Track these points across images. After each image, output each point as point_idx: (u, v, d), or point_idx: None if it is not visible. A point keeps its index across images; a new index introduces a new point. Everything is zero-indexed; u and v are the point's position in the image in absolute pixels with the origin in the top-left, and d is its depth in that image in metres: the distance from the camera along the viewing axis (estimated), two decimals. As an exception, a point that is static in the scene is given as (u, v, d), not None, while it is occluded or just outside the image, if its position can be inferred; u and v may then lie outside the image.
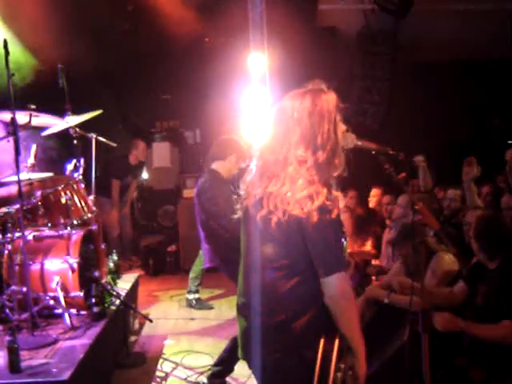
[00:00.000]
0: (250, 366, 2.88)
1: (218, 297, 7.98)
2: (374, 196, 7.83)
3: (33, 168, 5.44)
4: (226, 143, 5.29)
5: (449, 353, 4.06)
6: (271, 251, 2.65)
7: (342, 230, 2.67)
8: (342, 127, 2.72)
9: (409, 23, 9.14)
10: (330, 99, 2.69)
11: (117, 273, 6.38)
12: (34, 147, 5.51)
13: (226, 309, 7.32)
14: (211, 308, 7.49)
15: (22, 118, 5.04)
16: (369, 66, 9.75)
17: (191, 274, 7.53)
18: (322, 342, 2.61)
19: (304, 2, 9.18)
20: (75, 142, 5.77)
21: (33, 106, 5.04)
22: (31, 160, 5.44)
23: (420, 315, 3.28)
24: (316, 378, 2.59)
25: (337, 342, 2.62)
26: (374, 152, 3.02)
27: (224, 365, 4.98)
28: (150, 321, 6.01)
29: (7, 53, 4.47)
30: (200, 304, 7.51)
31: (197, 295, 7.53)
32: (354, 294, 2.70)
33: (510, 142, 9.41)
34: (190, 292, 7.54)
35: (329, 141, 2.63)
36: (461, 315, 4.16)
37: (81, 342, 4.46)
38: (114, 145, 6.38)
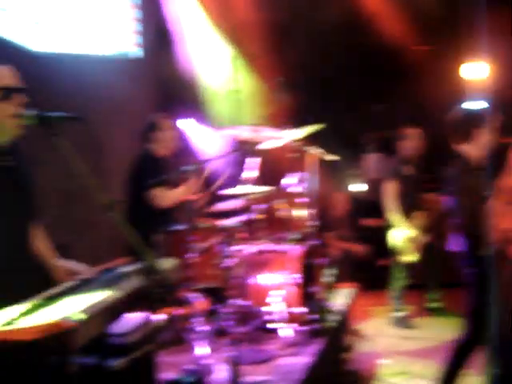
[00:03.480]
0: None
1: (439, 315, 7.68)
2: None
3: (255, 182, 5.50)
4: (463, 119, 4.49)
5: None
6: None
7: None
8: None
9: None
10: None
11: (331, 287, 6.29)
12: (257, 161, 5.56)
13: (445, 329, 6.86)
14: (413, 328, 7.24)
15: (245, 133, 5.13)
16: None
17: (390, 294, 7.42)
18: None
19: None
20: (294, 155, 5.75)
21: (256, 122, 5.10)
22: (255, 173, 5.50)
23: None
24: None
25: None
26: None
27: None
28: (367, 339, 5.84)
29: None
30: (403, 323, 7.29)
31: (399, 313, 7.34)
32: None
33: None
34: (395, 310, 7.40)
35: None
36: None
37: (301, 361, 4.36)
38: (337, 158, 6.20)
